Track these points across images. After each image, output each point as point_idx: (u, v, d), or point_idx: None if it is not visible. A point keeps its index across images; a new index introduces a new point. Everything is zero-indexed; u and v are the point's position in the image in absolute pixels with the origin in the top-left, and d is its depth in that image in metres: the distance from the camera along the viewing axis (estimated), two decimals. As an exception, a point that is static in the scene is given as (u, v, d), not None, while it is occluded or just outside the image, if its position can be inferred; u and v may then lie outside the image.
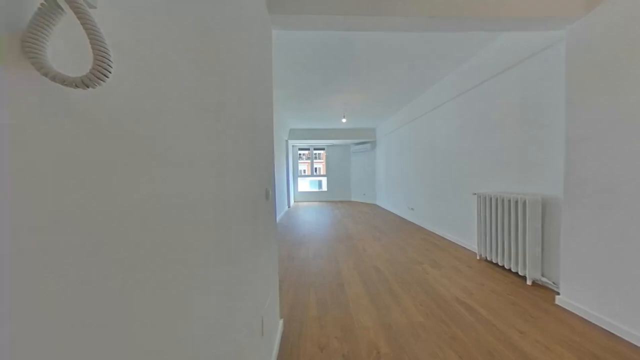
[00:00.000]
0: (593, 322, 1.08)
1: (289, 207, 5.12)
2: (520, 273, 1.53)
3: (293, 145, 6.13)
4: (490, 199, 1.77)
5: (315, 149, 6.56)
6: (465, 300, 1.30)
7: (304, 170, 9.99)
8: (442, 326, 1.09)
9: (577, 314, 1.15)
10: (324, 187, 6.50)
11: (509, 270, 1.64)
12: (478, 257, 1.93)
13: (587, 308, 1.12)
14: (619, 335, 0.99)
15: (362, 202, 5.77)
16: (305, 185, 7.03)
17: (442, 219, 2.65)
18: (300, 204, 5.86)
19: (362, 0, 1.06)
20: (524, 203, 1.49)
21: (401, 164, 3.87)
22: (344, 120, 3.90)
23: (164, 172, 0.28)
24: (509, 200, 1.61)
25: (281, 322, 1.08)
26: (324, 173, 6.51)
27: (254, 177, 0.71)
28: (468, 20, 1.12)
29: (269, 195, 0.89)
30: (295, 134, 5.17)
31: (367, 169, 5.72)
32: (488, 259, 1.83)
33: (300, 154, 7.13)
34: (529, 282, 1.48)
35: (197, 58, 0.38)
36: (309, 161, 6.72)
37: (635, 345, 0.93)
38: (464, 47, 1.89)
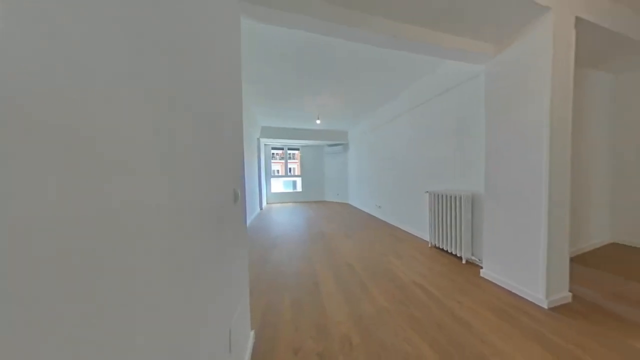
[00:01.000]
0: (503, 286, 1.44)
1: (261, 209, 4.86)
2: (458, 254, 1.91)
3: (266, 144, 5.84)
4: (437, 195, 2.14)
5: (289, 149, 6.43)
6: (420, 282, 1.53)
7: (278, 171, 9.70)
8: (402, 308, 1.24)
9: (493, 282, 1.51)
10: (299, 188, 6.43)
11: (451, 253, 2.01)
12: (430, 245, 2.29)
13: (499, 276, 1.49)
14: (517, 294, 1.36)
15: (335, 202, 5.98)
16: (279, 186, 6.80)
17: (403, 214, 3.02)
18: (273, 205, 5.63)
19: (334, 8, 1.11)
20: (460, 199, 1.86)
21: (369, 166, 4.22)
22: (318, 121, 4.00)
23: (93, 174, 0.23)
24: (450, 197, 1.97)
25: (252, 333, 1.02)
26: (299, 173, 6.45)
27: (220, 178, 0.65)
28: (420, 45, 1.33)
29: (238, 197, 0.83)
30: (267, 132, 4.93)
31: (340, 170, 5.97)
32: (437, 245, 2.19)
33: (273, 154, 6.86)
34: (463, 261, 1.86)
35: (142, 31, 0.31)
36: (283, 161, 6.51)
37: (527, 300, 1.30)
38: (418, 67, 2.21)
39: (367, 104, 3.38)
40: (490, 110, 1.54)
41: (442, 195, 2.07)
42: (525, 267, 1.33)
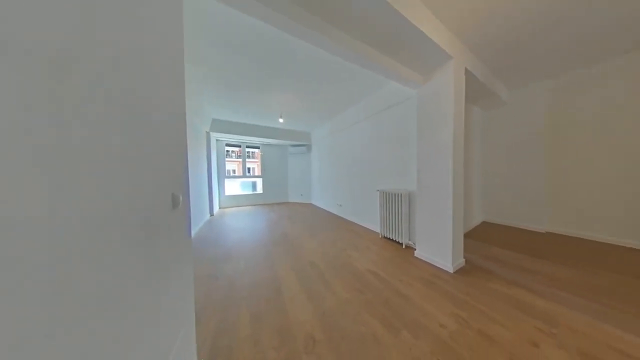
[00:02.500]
0: (429, 262, 1.90)
1: (212, 214, 4.22)
2: (399, 241, 2.36)
3: (218, 140, 5.10)
4: (385, 193, 2.56)
5: (248, 147, 5.87)
6: (373, 270, 1.78)
7: (234, 171, 8.71)
8: (359, 295, 1.41)
9: (423, 259, 1.97)
10: (259, 189, 6.00)
11: (396, 241, 2.46)
12: (380, 236, 2.70)
13: (426, 254, 1.95)
14: (437, 265, 1.82)
15: (299, 203, 5.99)
16: (235, 187, 6.09)
17: (360, 211, 3.41)
18: (228, 210, 5.00)
19: (297, 9, 1.12)
20: (401, 195, 2.31)
21: (331, 167, 4.50)
22: (281, 120, 3.88)
23: None
24: (394, 194, 2.41)
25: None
26: (259, 174, 6.01)
27: (149, 179, 0.52)
28: (370, 64, 1.56)
29: (178, 202, 0.68)
30: (220, 125, 4.27)
31: (304, 171, 6.02)
32: (386, 236, 2.62)
33: (228, 151, 6.12)
34: (403, 246, 2.32)
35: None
36: (240, 160, 5.89)
37: (441, 269, 1.77)
38: (373, 81, 2.55)
39: (330, 108, 3.58)
40: (420, 127, 2.00)
41: (389, 193, 2.49)
42: (441, 244, 1.81)
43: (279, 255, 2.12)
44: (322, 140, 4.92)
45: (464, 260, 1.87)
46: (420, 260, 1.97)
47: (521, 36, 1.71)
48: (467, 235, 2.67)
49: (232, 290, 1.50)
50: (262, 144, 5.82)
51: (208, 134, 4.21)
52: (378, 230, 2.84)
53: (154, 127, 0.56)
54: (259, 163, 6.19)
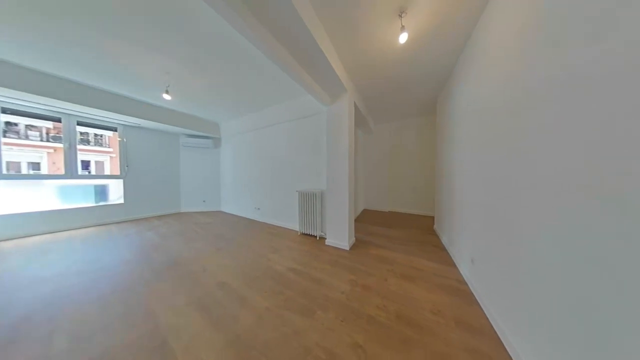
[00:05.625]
0: (335, 246, 2.39)
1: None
2: (314, 234, 2.73)
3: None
4: (303, 193, 2.83)
5: (84, 125, 3.28)
6: (292, 267, 1.87)
7: (33, 166, 4.74)
8: (279, 296, 1.41)
9: (332, 245, 2.43)
10: (116, 198, 3.68)
11: (311, 235, 2.80)
12: (299, 233, 2.93)
13: (333, 241, 2.43)
14: (339, 247, 2.34)
15: (201, 212, 4.61)
16: (36, 196, 3.00)
17: (281, 212, 3.43)
18: (8, 245, 2.46)
19: None
20: (315, 194, 2.68)
21: (250, 167, 4.04)
22: (166, 96, 2.71)
23: None
24: (311, 194, 2.74)
25: None
26: (115, 173, 3.68)
27: None
28: (288, 72, 1.65)
29: None
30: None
31: (210, 170, 4.76)
32: (304, 232, 2.88)
33: (13, 125, 3.21)
34: (317, 238, 2.71)
35: None
36: (61, 146, 3.10)
37: (342, 249, 2.30)
38: (299, 88, 2.65)
39: (247, 102, 3.18)
40: (328, 137, 2.46)
41: (307, 193, 2.78)
42: (341, 230, 2.36)
43: (164, 293, 1.48)
44: (239, 136, 4.25)
45: (355, 238, 2.60)
46: (329, 246, 2.43)
47: (377, 94, 2.75)
48: (356, 220, 3.74)
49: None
50: (125, 125, 3.66)
51: None
52: (297, 228, 3.05)
53: None
54: (115, 155, 3.81)
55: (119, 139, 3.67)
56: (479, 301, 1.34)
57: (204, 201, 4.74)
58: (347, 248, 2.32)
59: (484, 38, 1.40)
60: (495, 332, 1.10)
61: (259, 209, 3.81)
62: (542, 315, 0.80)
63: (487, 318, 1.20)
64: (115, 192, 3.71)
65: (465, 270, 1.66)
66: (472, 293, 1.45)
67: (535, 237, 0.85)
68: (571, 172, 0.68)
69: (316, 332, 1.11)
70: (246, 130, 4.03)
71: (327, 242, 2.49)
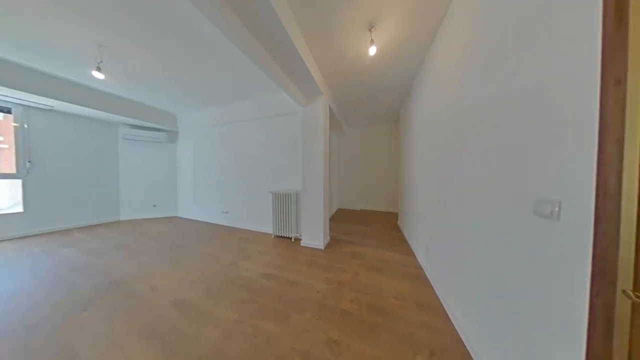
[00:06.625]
0: (310, 247, 2.39)
1: None
2: (290, 236, 2.68)
3: None
4: (278, 194, 2.73)
5: None
6: (265, 272, 1.79)
7: None
8: (251, 306, 1.32)
9: (307, 246, 2.42)
10: (9, 206, 2.71)
11: (286, 237, 2.73)
12: (273, 236, 2.82)
13: (309, 241, 2.44)
14: (314, 247, 2.36)
15: (149, 219, 3.87)
16: None
17: (253, 215, 3.22)
18: None
19: None
20: (289, 195, 2.64)
21: (215, 166, 3.64)
22: (97, 74, 2.13)
23: None
24: (284, 194, 2.67)
25: None
26: (9, 170, 2.70)
27: None
28: (264, 68, 1.57)
29: None
30: None
31: (163, 169, 4.05)
32: (278, 234, 2.79)
33: None
34: (293, 240, 2.67)
35: None
36: None
37: (318, 248, 2.34)
38: (273, 84, 2.53)
39: (213, 93, 2.85)
40: (304, 137, 2.46)
41: (281, 194, 2.70)
42: (316, 230, 2.40)
43: (92, 325, 1.18)
44: (203, 130, 3.75)
45: (329, 237, 2.68)
46: (305, 247, 2.42)
47: (349, 100, 2.92)
48: (331, 219, 3.85)
49: None
50: (26, 105, 2.73)
51: None
52: (271, 231, 2.93)
53: None
54: (8, 147, 2.74)
55: (14, 124, 2.70)
56: (432, 283, 1.59)
57: (154, 206, 4.00)
58: (323, 247, 2.37)
59: (433, 62, 1.67)
60: (443, 307, 1.32)
61: (226, 212, 3.49)
62: (471, 287, 1.01)
63: (437, 296, 1.43)
64: (9, 197, 2.71)
65: (421, 258, 1.94)
66: (427, 277, 1.70)
67: (466, 227, 1.07)
68: (493, 174, 0.88)
69: (291, 336, 1.10)
70: (212, 124, 3.60)
71: (303, 243, 2.48)
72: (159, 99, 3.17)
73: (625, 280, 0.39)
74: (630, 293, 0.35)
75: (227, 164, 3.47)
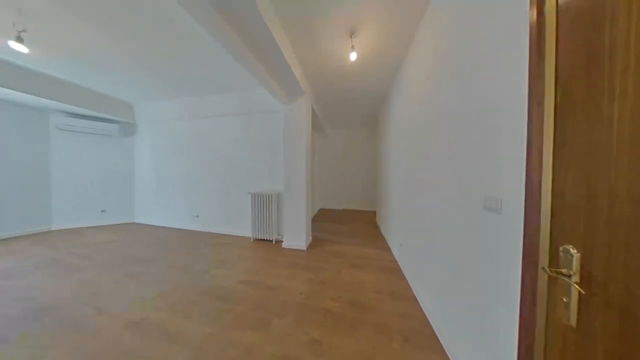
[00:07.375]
0: (292, 248, 2.35)
1: None
2: (270, 239, 2.58)
3: None
4: (257, 195, 2.61)
5: None
6: (244, 279, 1.68)
7: None
8: (226, 316, 1.23)
9: (289, 248, 2.37)
10: None
11: (266, 240, 2.63)
12: (252, 240, 2.68)
13: (290, 243, 2.41)
14: (297, 248, 2.33)
15: (96, 227, 3.25)
16: None
17: (229, 218, 3.00)
18: None
19: None
20: (271, 196, 2.55)
21: (184, 164, 3.27)
22: (18, 46, 1.64)
23: None
24: (265, 195, 2.57)
25: None
26: None
27: None
28: (245, 63, 1.49)
29: None
30: None
31: (115, 167, 3.46)
32: (258, 238, 2.66)
33: None
34: (274, 242, 2.59)
35: None
36: None
37: (300, 249, 2.32)
38: (253, 78, 2.37)
39: (180, 82, 2.54)
40: (286, 137, 2.41)
41: (261, 195, 2.59)
42: (298, 231, 2.38)
43: None
44: (167, 124, 3.32)
45: (312, 238, 2.68)
46: (287, 249, 2.38)
47: (331, 102, 2.99)
48: (313, 220, 3.86)
49: None
50: None
51: None
52: (250, 235, 2.79)
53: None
54: None
55: None
56: (405, 276, 1.73)
57: (103, 211, 3.39)
58: (304, 248, 2.36)
59: (407, 73, 1.84)
60: (415, 296, 1.45)
61: (197, 216, 3.18)
62: (436, 275, 1.14)
63: (410, 286, 1.57)
64: None
65: (396, 252, 2.10)
66: (401, 270, 1.85)
67: (433, 222, 1.21)
68: (454, 175, 1.02)
69: (272, 342, 1.06)
70: (179, 117, 3.21)
71: (284, 244, 2.43)
72: (107, 82, 2.64)
73: (543, 258, 0.50)
74: (547, 269, 0.46)
75: (199, 163, 3.16)
